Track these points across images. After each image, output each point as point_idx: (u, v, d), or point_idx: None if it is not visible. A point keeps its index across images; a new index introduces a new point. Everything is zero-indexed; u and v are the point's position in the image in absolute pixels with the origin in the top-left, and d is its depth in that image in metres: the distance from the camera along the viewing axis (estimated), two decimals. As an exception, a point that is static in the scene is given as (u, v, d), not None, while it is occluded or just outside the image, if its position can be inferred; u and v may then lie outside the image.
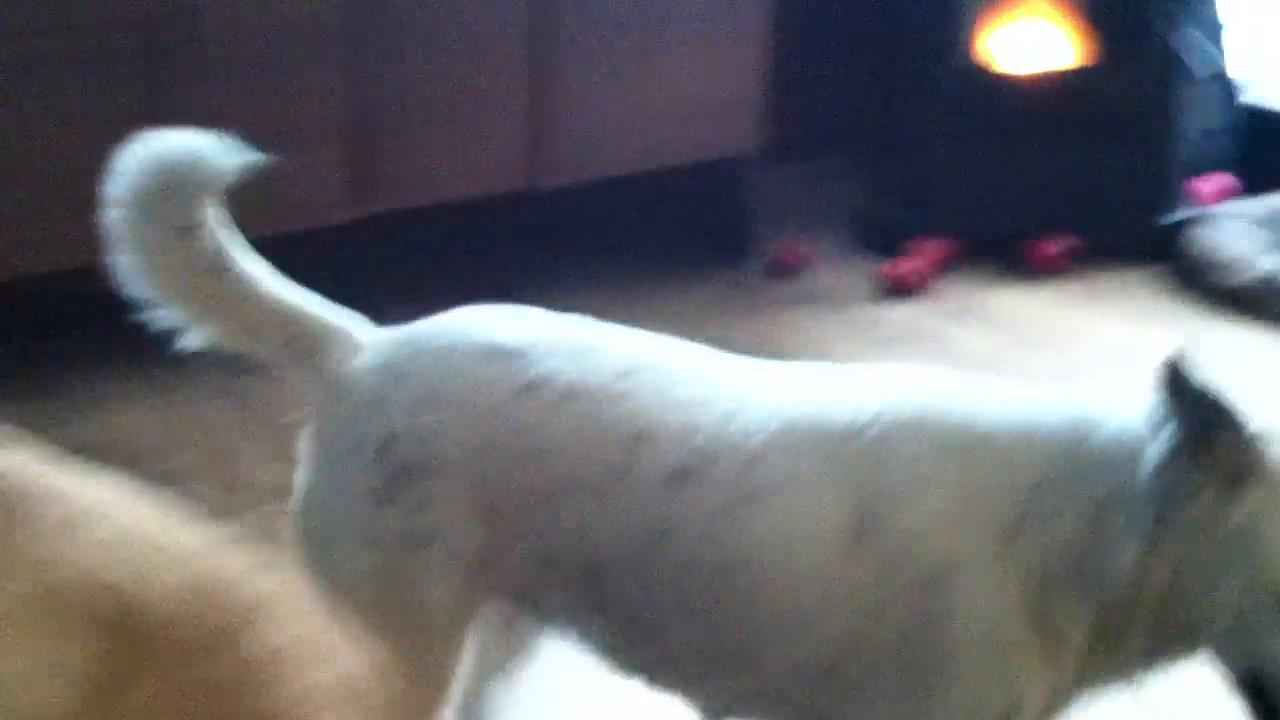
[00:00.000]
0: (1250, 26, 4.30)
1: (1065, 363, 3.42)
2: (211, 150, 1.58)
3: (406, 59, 3.33)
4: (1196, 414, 1.40)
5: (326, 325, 1.65)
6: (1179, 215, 4.01)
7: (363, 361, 1.62)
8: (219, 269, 1.60)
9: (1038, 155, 3.95)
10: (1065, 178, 3.95)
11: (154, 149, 1.58)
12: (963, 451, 1.50)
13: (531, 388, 1.54)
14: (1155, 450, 1.43)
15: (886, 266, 3.81)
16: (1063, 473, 1.48)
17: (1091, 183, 3.95)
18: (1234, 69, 4.26)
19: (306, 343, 1.63)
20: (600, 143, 3.59)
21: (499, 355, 1.57)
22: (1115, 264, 3.94)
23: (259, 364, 1.71)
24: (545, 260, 3.56)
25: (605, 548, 1.53)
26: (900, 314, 3.69)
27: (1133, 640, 1.48)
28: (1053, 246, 3.90)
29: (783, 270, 3.87)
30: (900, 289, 3.76)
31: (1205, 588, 1.44)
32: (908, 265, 3.80)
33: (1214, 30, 4.17)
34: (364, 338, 1.65)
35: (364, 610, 1.46)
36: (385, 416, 1.57)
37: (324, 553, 1.60)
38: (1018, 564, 1.46)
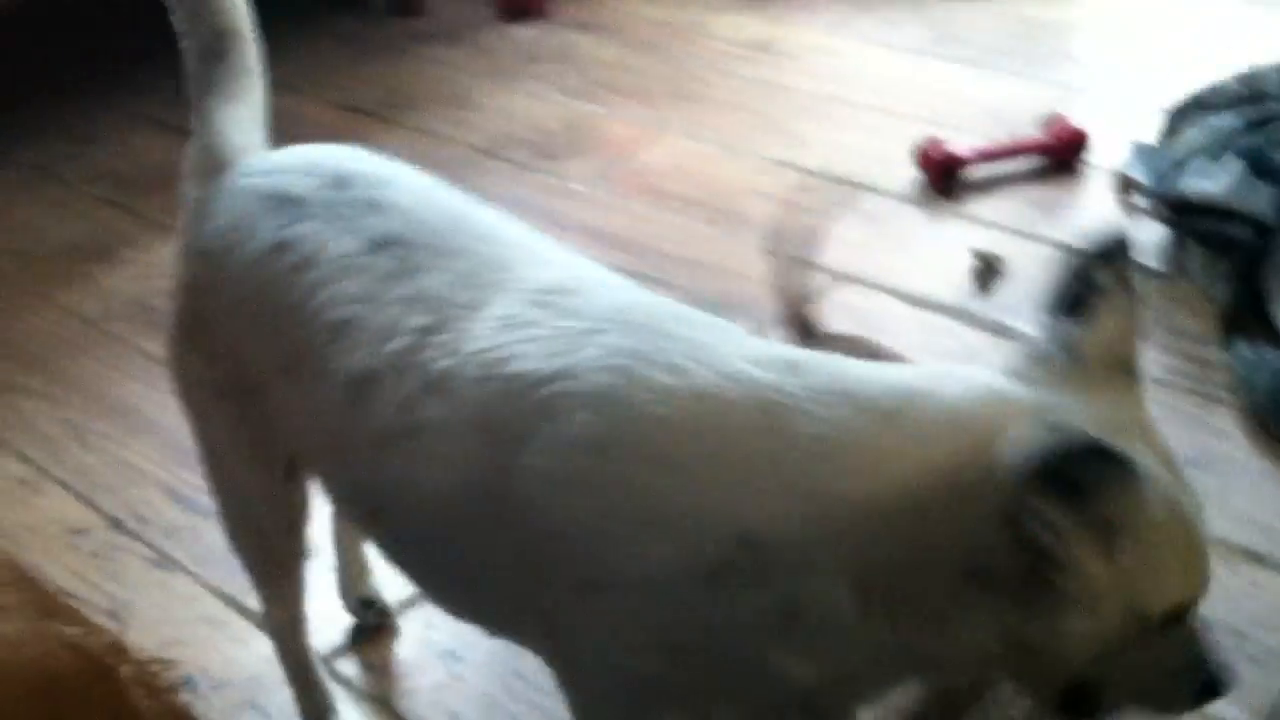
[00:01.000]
0: None
1: (693, 62, 3.43)
2: None
3: None
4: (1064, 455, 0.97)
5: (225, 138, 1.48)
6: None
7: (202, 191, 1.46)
8: None
9: None
10: None
11: None
12: (657, 458, 1.09)
13: (281, 247, 1.33)
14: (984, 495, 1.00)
15: (502, -11, 3.73)
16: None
17: None
18: None
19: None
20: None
21: (277, 204, 1.36)
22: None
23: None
24: (151, 45, 3.32)
25: (312, 446, 1.38)
26: (525, 34, 3.66)
27: None
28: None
29: (406, 7, 3.77)
30: (520, 9, 3.72)
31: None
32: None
33: None
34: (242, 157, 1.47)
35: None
36: (186, 261, 1.44)
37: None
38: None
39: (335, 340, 1.26)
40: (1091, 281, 1.09)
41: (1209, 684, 1.13)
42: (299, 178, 1.37)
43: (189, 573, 1.95)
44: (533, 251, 1.27)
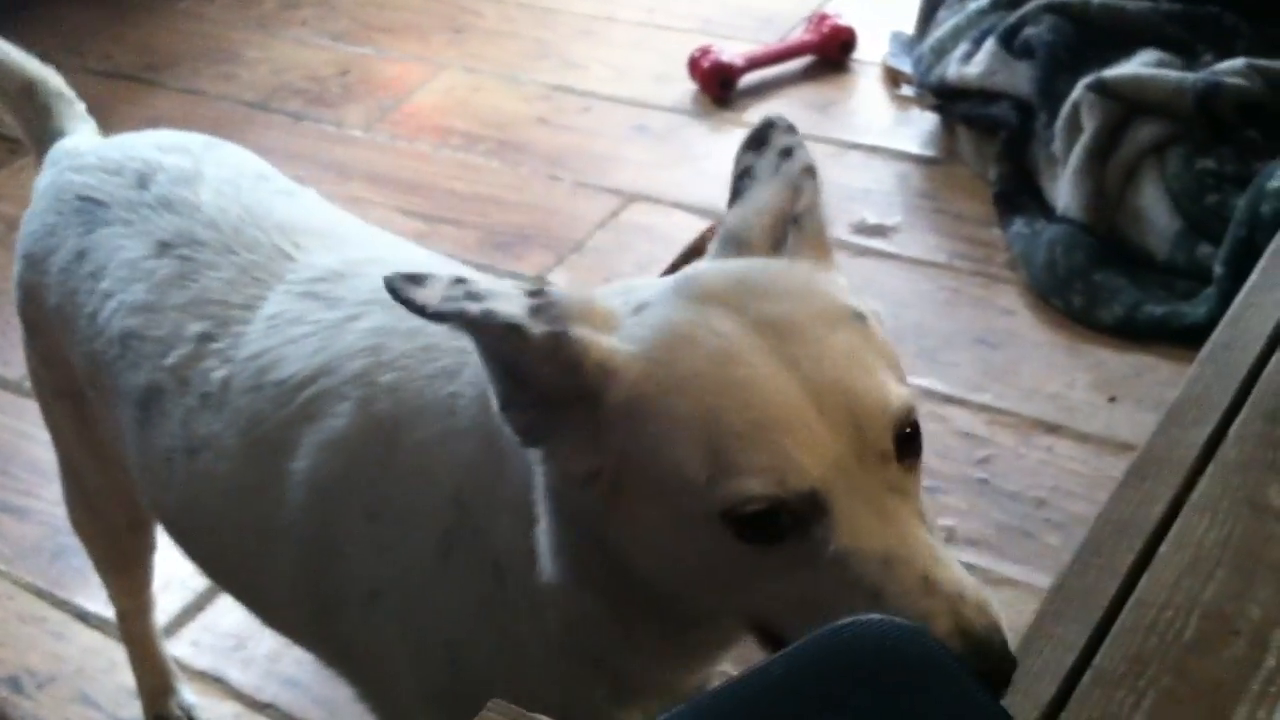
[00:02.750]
0: None
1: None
2: None
3: None
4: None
5: (30, 75, 1.44)
6: None
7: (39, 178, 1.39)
8: None
9: None
10: None
11: None
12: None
13: (81, 255, 1.26)
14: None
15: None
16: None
17: None
18: None
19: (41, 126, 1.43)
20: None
21: (81, 208, 1.30)
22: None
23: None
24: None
25: (122, 457, 1.31)
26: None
27: None
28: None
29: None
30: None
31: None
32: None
33: None
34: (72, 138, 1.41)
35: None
36: (17, 263, 1.37)
37: None
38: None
39: (123, 354, 1.21)
40: (745, 170, 0.97)
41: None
42: (105, 177, 1.30)
43: (-1, 572, 1.90)
44: (320, 234, 1.22)
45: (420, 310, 0.84)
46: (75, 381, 1.33)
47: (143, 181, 1.28)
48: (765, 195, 0.94)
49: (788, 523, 0.81)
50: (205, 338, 1.15)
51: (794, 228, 0.93)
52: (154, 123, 2.82)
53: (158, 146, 1.33)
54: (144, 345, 1.19)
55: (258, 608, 1.23)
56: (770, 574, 0.83)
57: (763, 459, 0.80)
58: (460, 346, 0.99)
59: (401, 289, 0.84)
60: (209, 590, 1.80)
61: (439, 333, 1.01)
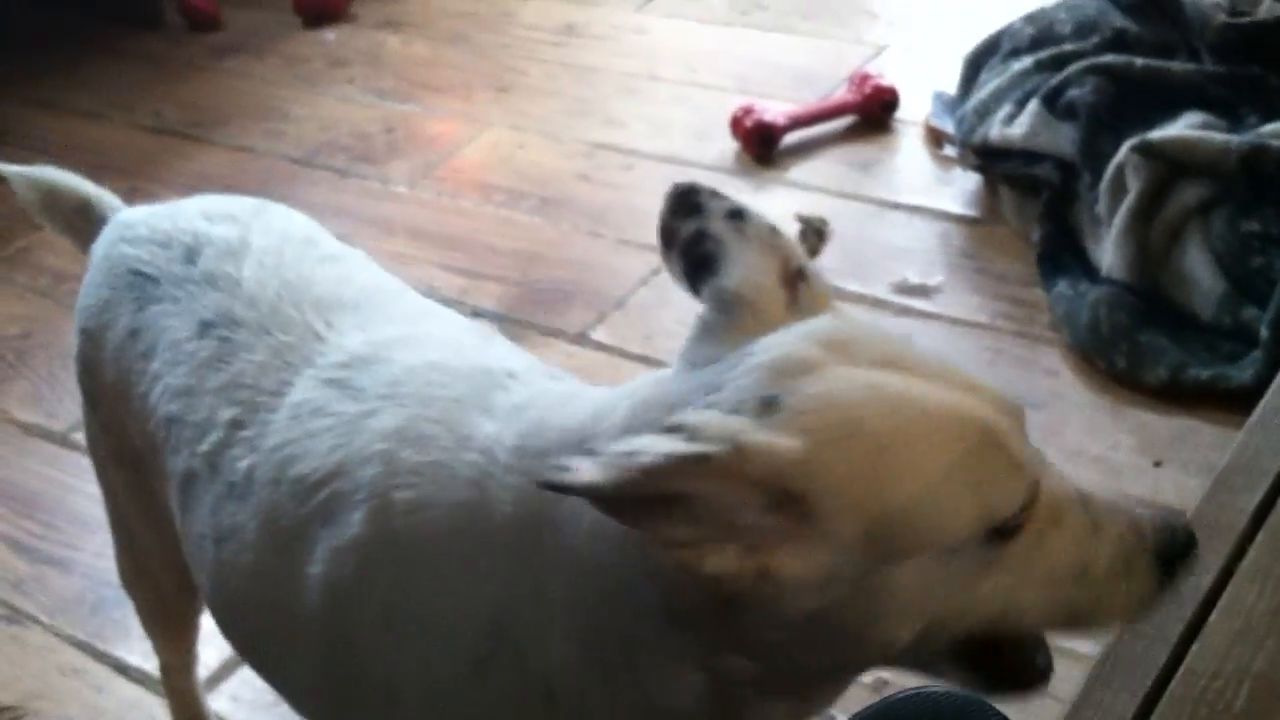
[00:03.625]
0: None
1: (503, 52, 3.43)
2: None
3: None
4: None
5: (85, 194, 1.46)
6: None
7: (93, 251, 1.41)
8: None
9: None
10: None
11: None
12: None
13: (134, 334, 1.26)
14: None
15: (300, -7, 3.68)
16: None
17: None
18: None
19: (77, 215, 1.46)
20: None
21: (134, 283, 1.29)
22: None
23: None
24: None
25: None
26: (331, 38, 3.61)
27: None
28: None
29: (201, 19, 3.69)
30: (319, 13, 3.66)
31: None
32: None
33: None
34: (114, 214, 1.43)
35: None
36: (77, 333, 1.38)
37: None
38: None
39: (168, 438, 1.20)
40: (698, 235, 0.94)
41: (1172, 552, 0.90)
42: (156, 251, 1.30)
43: (42, 624, 1.91)
44: (355, 308, 1.20)
45: (595, 495, 0.78)
46: (134, 450, 1.33)
47: (190, 256, 1.27)
48: (751, 258, 0.92)
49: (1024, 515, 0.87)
50: (235, 424, 1.14)
51: (804, 284, 0.93)
52: (202, 178, 2.88)
53: (206, 216, 1.32)
54: (184, 431, 1.18)
55: (283, 691, 1.22)
56: (1005, 569, 0.86)
57: (1007, 472, 0.85)
58: (473, 460, 0.97)
59: (557, 479, 0.78)
60: (249, 644, 1.81)
61: (449, 445, 1.00)
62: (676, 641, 0.88)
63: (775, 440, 0.80)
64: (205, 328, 1.20)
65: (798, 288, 0.93)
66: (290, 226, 1.31)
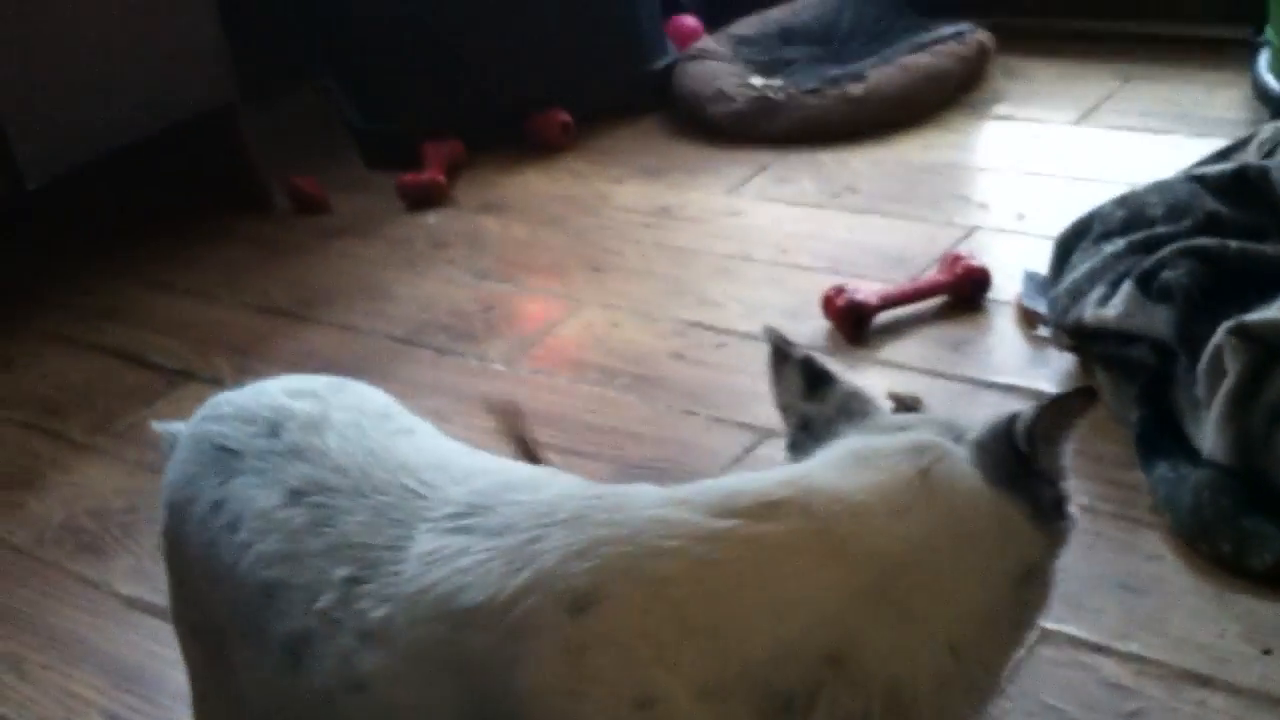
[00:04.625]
0: None
1: (599, 233, 3.51)
2: None
3: None
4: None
5: None
6: (666, 59, 4.15)
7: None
8: None
9: (513, 35, 3.96)
10: (548, 48, 4.00)
11: None
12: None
13: (218, 507, 1.32)
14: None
15: (403, 179, 3.78)
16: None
17: (575, 46, 4.01)
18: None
19: None
20: (66, 132, 3.34)
21: (217, 458, 1.35)
22: (618, 121, 4.06)
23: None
24: (58, 266, 3.35)
25: (259, 712, 1.32)
26: (432, 221, 3.71)
27: None
28: (550, 121, 3.96)
29: (309, 203, 3.82)
30: (423, 198, 3.77)
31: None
32: (424, 174, 3.79)
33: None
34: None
35: None
36: (162, 507, 1.45)
37: None
38: None
39: (268, 604, 1.23)
40: (809, 364, 1.29)
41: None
42: (239, 427, 1.36)
43: (141, 801, 1.92)
44: (440, 468, 1.26)
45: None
46: (216, 623, 1.36)
47: (274, 430, 1.33)
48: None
49: None
50: (354, 580, 1.18)
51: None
52: (308, 355, 2.96)
53: (287, 392, 1.39)
54: (290, 593, 1.22)
55: None
56: None
57: None
58: (688, 519, 1.12)
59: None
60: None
61: (651, 511, 1.13)
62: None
63: None
64: (296, 496, 1.26)
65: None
66: (364, 401, 1.38)
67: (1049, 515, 1.19)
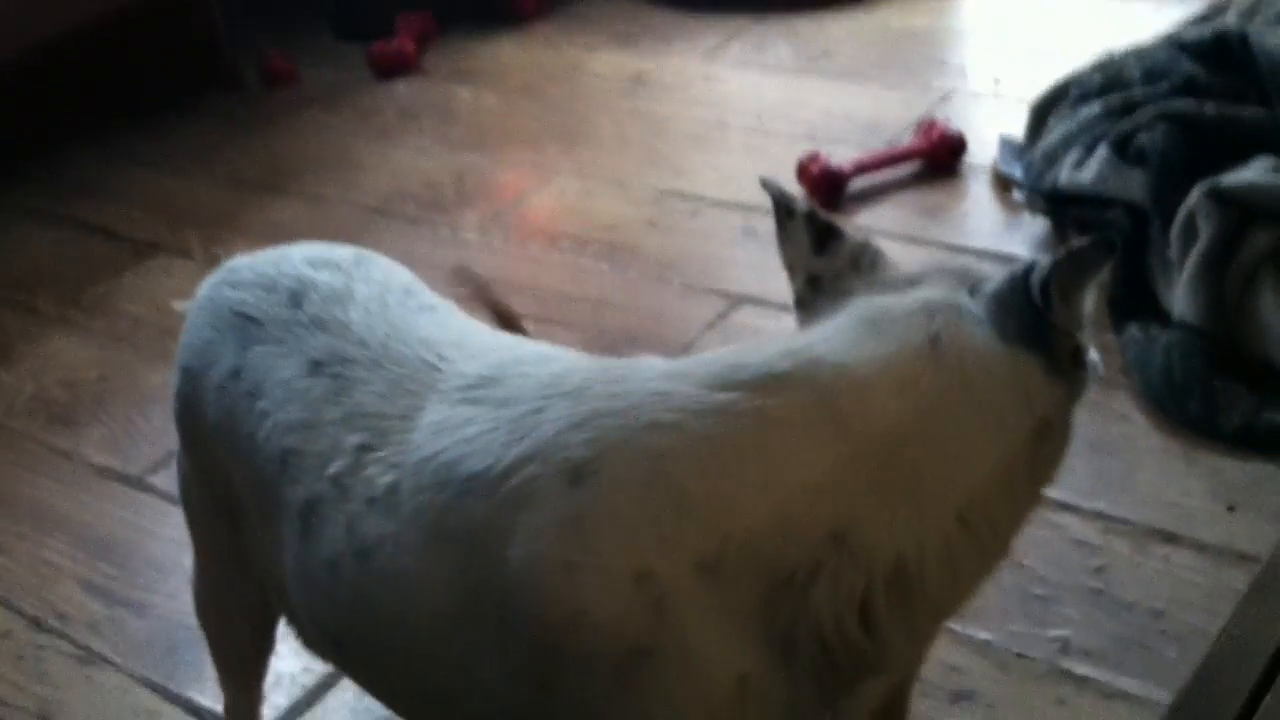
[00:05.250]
0: None
1: (573, 102, 3.46)
2: None
3: None
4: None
5: None
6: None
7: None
8: None
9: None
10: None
11: None
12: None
13: (237, 373, 1.31)
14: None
15: (374, 49, 3.73)
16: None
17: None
18: None
19: None
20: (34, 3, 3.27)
21: (238, 325, 1.34)
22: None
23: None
24: (27, 140, 3.31)
25: (276, 581, 1.32)
26: (403, 90, 3.67)
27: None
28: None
29: (279, 77, 3.77)
30: (393, 67, 3.73)
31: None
32: (394, 43, 3.75)
33: None
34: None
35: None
36: (176, 373, 1.42)
37: None
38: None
39: (283, 471, 1.23)
40: (815, 219, 1.26)
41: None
42: (260, 294, 1.34)
43: (116, 666, 1.93)
44: (460, 345, 1.25)
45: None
46: (231, 492, 1.36)
47: (296, 300, 1.32)
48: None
49: None
50: (365, 448, 1.18)
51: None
52: (279, 227, 2.93)
53: (310, 262, 1.36)
54: (304, 461, 1.22)
55: (438, 706, 1.21)
56: None
57: None
58: (691, 394, 1.07)
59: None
60: (317, 687, 1.82)
61: (649, 403, 1.07)
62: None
63: None
64: (316, 367, 1.25)
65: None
66: (389, 277, 1.36)
67: (1066, 367, 1.10)
